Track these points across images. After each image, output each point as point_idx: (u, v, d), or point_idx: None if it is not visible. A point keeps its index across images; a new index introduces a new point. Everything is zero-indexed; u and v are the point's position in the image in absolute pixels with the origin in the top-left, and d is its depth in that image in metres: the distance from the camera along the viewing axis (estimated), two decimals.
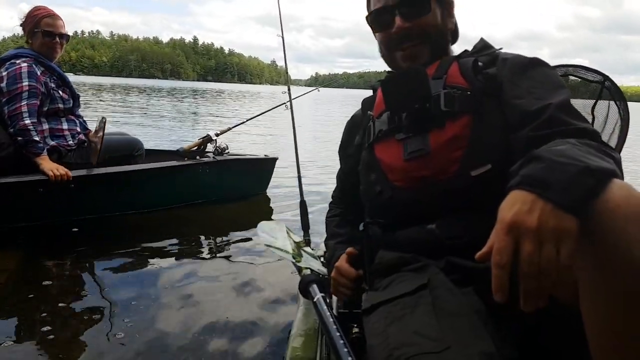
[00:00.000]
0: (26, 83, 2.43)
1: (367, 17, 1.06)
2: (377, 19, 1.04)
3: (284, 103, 3.05)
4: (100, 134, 2.62)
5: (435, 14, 1.00)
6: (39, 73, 2.52)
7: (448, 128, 0.90)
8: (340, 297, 1.13)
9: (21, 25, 2.67)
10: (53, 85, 2.59)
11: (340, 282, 1.09)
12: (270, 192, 3.67)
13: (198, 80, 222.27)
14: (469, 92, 0.91)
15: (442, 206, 0.90)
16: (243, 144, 6.37)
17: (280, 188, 3.79)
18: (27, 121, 2.41)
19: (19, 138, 2.41)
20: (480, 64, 0.95)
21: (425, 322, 0.72)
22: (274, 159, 3.62)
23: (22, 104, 2.41)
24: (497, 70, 0.93)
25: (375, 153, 1.02)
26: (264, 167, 3.60)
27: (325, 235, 1.28)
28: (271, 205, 3.42)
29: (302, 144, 3.28)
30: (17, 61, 2.48)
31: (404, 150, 0.94)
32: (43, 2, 2.86)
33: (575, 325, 0.64)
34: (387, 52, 1.06)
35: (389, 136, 0.99)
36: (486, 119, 0.89)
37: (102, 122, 2.64)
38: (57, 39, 2.64)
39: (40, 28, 2.58)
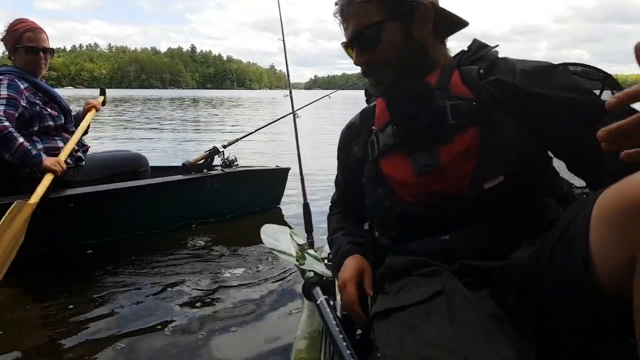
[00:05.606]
0: (5, 92, 2.26)
1: (342, 44, 1.06)
2: (345, 51, 1.06)
3: (295, 111, 2.79)
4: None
5: (390, 39, 0.95)
6: (22, 87, 2.35)
7: (457, 141, 0.89)
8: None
9: (2, 39, 2.48)
10: (39, 102, 2.42)
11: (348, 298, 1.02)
12: (283, 205, 3.42)
13: (197, 88, 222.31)
14: (474, 103, 0.90)
15: (455, 218, 0.89)
16: (249, 153, 6.12)
17: (294, 201, 3.43)
18: (6, 123, 2.19)
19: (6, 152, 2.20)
20: (481, 71, 0.93)
21: (441, 332, 0.70)
22: (286, 169, 3.36)
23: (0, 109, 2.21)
24: (510, 78, 0.90)
25: (381, 168, 1.00)
26: (276, 178, 3.35)
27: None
28: (285, 219, 3.12)
29: (308, 146, 3.10)
30: None
31: (414, 165, 0.92)
32: (42, 16, 2.75)
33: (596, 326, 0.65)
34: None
35: (395, 151, 0.97)
36: (495, 129, 0.88)
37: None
38: (41, 54, 2.46)
39: (23, 44, 2.42)
